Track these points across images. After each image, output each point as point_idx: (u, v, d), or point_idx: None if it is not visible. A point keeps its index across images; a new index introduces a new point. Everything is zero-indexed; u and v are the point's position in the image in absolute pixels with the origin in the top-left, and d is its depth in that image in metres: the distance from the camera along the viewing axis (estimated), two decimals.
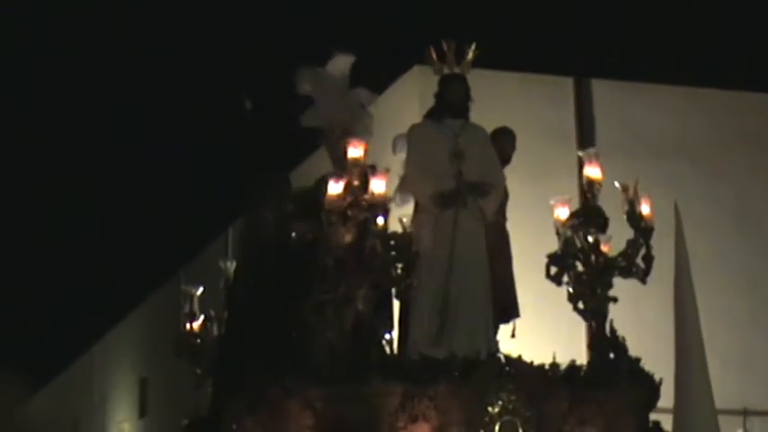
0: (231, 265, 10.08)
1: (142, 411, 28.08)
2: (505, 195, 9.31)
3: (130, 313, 29.42)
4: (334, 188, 8.07)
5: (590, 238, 8.78)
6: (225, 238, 20.76)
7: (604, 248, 8.66)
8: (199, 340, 10.18)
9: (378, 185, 8.00)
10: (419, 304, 8.68)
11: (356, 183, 8.14)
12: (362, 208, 8.06)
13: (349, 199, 8.14)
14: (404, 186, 9.00)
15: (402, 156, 9.11)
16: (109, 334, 30.76)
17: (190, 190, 27.22)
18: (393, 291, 8.90)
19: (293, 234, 9.40)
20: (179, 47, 26.90)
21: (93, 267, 31.70)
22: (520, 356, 8.41)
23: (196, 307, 10.19)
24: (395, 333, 9.09)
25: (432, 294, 8.59)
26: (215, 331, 10.12)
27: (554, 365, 8.35)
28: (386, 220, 8.16)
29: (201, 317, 10.25)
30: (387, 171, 8.24)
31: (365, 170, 8.21)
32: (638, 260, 8.81)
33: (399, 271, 8.27)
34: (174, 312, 27.06)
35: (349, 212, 8.16)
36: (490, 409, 8.15)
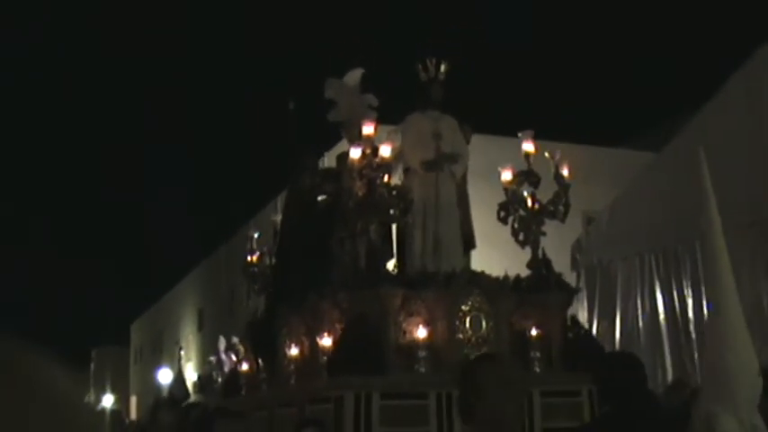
0: (279, 218, 10.17)
1: (200, 328, 35.09)
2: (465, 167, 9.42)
3: (190, 271, 36.52)
4: (354, 153, 8.25)
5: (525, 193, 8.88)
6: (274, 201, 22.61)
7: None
8: (256, 269, 10.21)
9: (385, 150, 8.14)
10: (415, 236, 8.76)
11: (368, 150, 8.21)
12: (373, 167, 8.13)
13: (364, 161, 8.19)
14: (398, 158, 9.09)
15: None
16: (179, 284, 38.59)
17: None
18: (393, 229, 8.92)
19: (322, 195, 9.45)
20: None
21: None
22: (483, 271, 8.53)
23: (255, 245, 10.30)
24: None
25: (424, 230, 8.69)
26: (267, 262, 10.18)
27: (506, 277, 8.60)
28: (389, 177, 8.23)
29: (258, 252, 10.32)
30: (392, 142, 8.33)
31: (374, 142, 8.30)
32: (560, 207, 8.87)
33: (398, 212, 8.31)
34: (217, 273, 29.63)
35: (364, 171, 8.20)
36: (463, 307, 8.39)
